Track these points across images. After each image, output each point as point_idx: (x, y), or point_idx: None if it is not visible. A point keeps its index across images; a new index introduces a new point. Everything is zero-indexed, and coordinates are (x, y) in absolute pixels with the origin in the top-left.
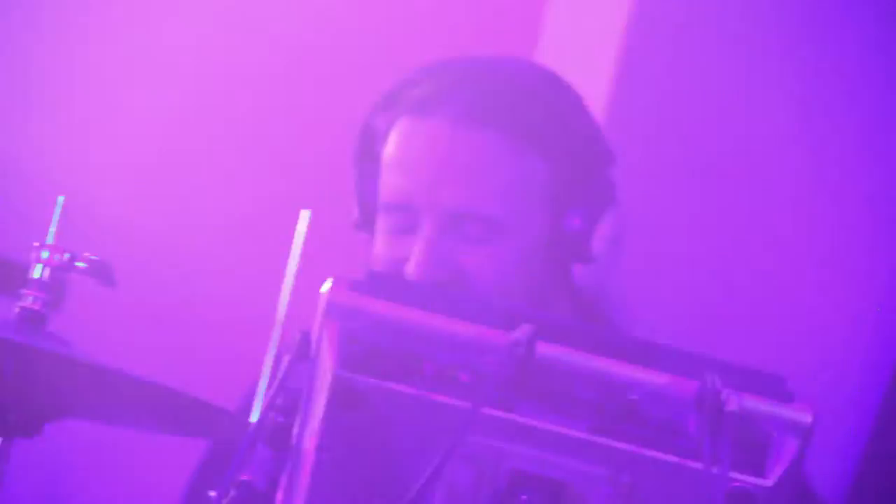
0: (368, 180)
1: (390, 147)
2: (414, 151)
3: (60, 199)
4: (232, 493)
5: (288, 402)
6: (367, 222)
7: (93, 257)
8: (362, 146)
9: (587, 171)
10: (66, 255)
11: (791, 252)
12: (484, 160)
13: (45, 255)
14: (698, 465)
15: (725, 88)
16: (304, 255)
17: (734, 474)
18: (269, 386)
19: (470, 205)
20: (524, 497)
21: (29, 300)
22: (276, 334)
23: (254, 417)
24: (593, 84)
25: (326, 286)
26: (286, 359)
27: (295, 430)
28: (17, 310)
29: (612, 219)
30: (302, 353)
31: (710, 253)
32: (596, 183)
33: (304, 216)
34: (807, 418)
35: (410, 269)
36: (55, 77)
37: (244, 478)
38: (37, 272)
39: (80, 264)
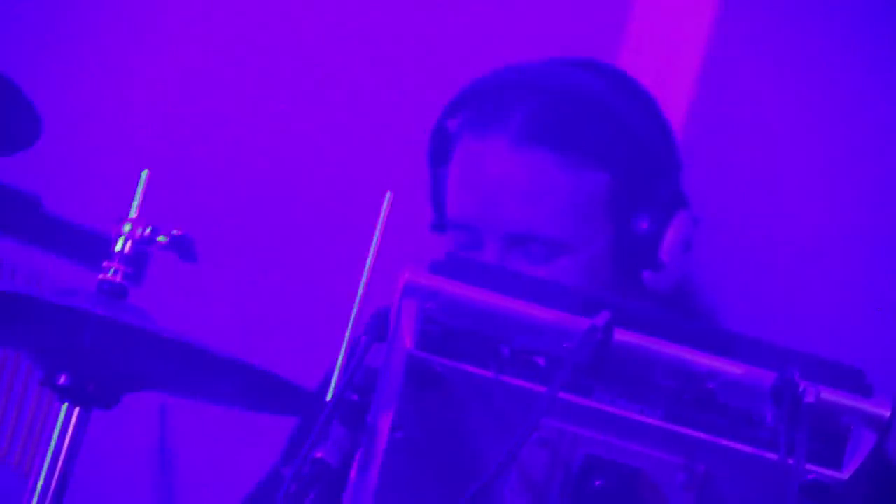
0: (442, 184)
1: (454, 164)
2: (473, 173)
3: (144, 172)
4: (305, 469)
5: (364, 381)
6: (443, 224)
7: (175, 232)
8: (435, 149)
9: (653, 177)
10: (149, 229)
11: (869, 249)
12: (542, 181)
13: (127, 228)
14: (774, 456)
15: (808, 91)
16: (386, 235)
17: (810, 466)
18: (347, 365)
19: (530, 227)
20: (598, 483)
21: (110, 273)
22: (354, 314)
23: (329, 396)
24: (676, 87)
25: (406, 267)
26: (364, 338)
27: (370, 410)
28: (98, 282)
29: (681, 224)
30: (379, 333)
31: (789, 249)
32: (662, 189)
33: (387, 198)
34: (885, 412)
35: None
36: (138, 52)
37: (318, 455)
38: (119, 245)
39: (161, 238)
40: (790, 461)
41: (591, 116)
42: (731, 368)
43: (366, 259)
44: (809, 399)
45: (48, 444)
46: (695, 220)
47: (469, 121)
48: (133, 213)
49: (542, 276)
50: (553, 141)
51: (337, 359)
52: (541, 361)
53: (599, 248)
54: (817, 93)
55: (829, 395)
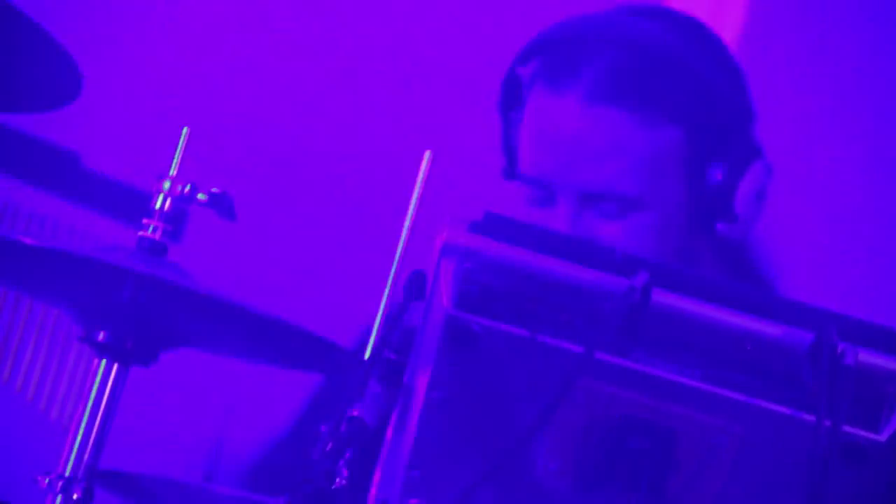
0: (514, 130)
1: (527, 116)
2: (547, 129)
3: (185, 130)
4: (342, 427)
5: (402, 340)
6: (514, 172)
7: (214, 190)
8: (506, 96)
9: (727, 129)
10: (188, 187)
11: None
12: (617, 139)
13: (167, 185)
14: (811, 418)
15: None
16: (425, 194)
17: (847, 428)
18: (384, 324)
19: (604, 185)
20: (634, 443)
21: (150, 230)
22: (393, 273)
23: (367, 354)
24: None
25: (444, 227)
26: (402, 298)
27: (407, 369)
28: (138, 239)
29: (755, 174)
30: (417, 292)
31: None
32: (737, 140)
33: (427, 157)
34: None
35: None
36: (180, 7)
37: (355, 413)
38: (159, 202)
39: (201, 196)
40: (827, 423)
41: (666, 72)
42: (769, 329)
43: (405, 218)
44: (848, 360)
45: (87, 400)
46: (768, 169)
47: (542, 72)
48: (173, 171)
49: (616, 232)
50: (628, 98)
51: (375, 317)
52: (578, 321)
53: (673, 203)
54: (872, 30)
55: (867, 357)
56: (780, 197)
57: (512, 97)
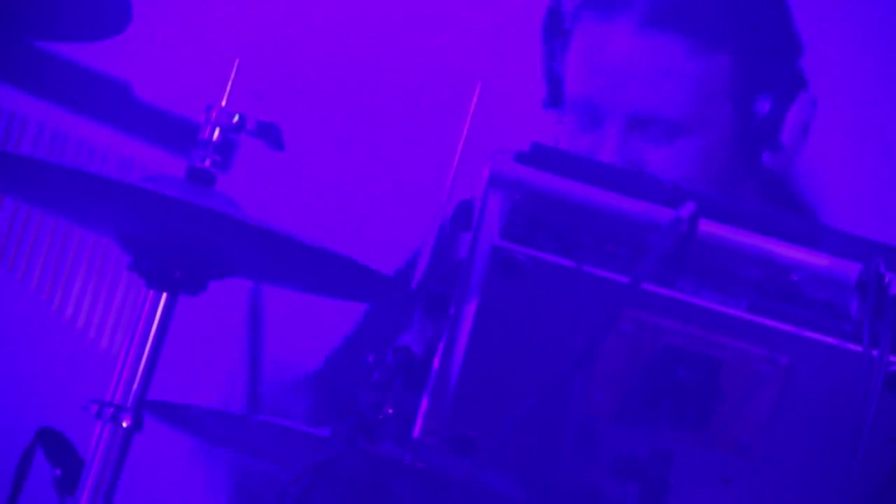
0: (558, 59)
1: (575, 41)
2: (596, 54)
3: (236, 60)
4: (389, 358)
5: (449, 271)
6: (556, 101)
7: (263, 120)
8: (550, 24)
9: (774, 60)
10: (237, 117)
11: None
12: (666, 65)
13: (216, 115)
14: (858, 348)
15: None
16: (474, 125)
17: (894, 358)
18: (432, 254)
19: (652, 109)
20: (680, 374)
21: (199, 160)
22: (442, 203)
23: (414, 285)
24: None
25: (492, 158)
26: (449, 228)
27: (454, 299)
28: (187, 169)
29: (801, 105)
30: (465, 223)
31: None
32: (784, 71)
33: (478, 88)
34: None
35: None
36: None
37: (402, 344)
38: (208, 132)
39: (250, 126)
40: (874, 353)
41: (717, 3)
42: (816, 260)
43: (454, 149)
44: (894, 291)
45: (136, 329)
46: (813, 101)
47: (590, 0)
48: (223, 101)
49: (662, 158)
50: (678, 24)
51: (422, 248)
52: (624, 252)
53: (720, 131)
54: None
55: None
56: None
57: (556, 26)
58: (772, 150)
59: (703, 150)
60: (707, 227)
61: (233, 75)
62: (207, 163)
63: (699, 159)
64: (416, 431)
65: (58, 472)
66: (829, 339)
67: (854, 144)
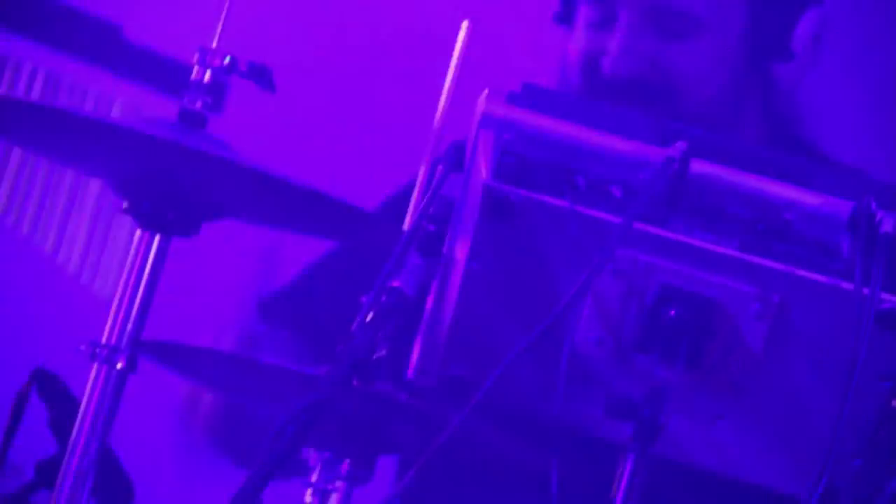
0: None
1: None
2: None
3: (227, 1)
4: (382, 298)
5: (440, 211)
6: (567, 15)
7: (254, 62)
8: None
9: None
10: (228, 59)
11: None
12: None
13: (207, 57)
14: (849, 286)
15: None
16: (463, 66)
17: (885, 295)
18: (423, 194)
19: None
20: (672, 312)
21: (190, 102)
22: (431, 144)
23: (406, 225)
24: None
25: (483, 98)
26: (440, 168)
27: (446, 240)
28: (178, 111)
29: (813, 17)
30: (456, 163)
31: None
32: None
33: (464, 27)
34: None
35: (608, 63)
36: None
37: (395, 284)
38: (198, 74)
39: (241, 68)
40: (865, 291)
41: None
42: (808, 198)
43: (443, 90)
44: (886, 228)
45: (130, 271)
46: (825, 17)
47: None
48: (214, 43)
49: (674, 54)
50: None
51: (413, 189)
52: (616, 192)
53: (733, 32)
54: None
55: None
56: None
57: None
58: (782, 60)
59: (716, 50)
60: (698, 166)
61: (223, 17)
62: (199, 105)
63: (710, 59)
64: (410, 372)
65: (52, 413)
66: (821, 278)
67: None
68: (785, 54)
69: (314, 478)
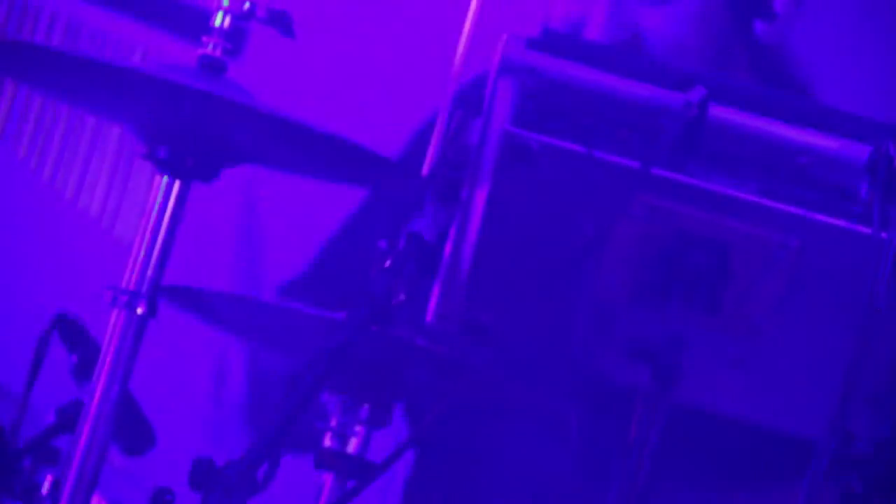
0: None
1: None
2: None
3: None
4: (401, 244)
5: (459, 156)
6: None
7: (273, 8)
8: None
9: None
10: (247, 5)
11: None
12: None
13: (226, 2)
14: (867, 230)
15: None
16: (482, 11)
17: None
18: (442, 140)
19: None
20: (691, 257)
21: (209, 47)
22: (450, 89)
23: (425, 171)
24: None
25: (502, 43)
26: (459, 114)
27: (465, 185)
28: (198, 57)
29: None
30: (475, 108)
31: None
32: None
33: None
34: None
35: (592, 30)
36: None
37: (413, 230)
38: (218, 20)
39: (260, 14)
40: (883, 235)
41: None
42: (826, 143)
43: (462, 35)
44: None
45: (150, 216)
46: None
47: None
48: None
49: (658, 18)
50: None
51: (430, 134)
52: (635, 137)
53: None
54: None
55: None
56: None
57: None
58: (766, 19)
59: (699, 12)
60: (717, 111)
61: None
62: (218, 51)
63: (694, 22)
64: (429, 316)
65: (74, 358)
66: (839, 222)
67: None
68: (767, 13)
69: (333, 422)
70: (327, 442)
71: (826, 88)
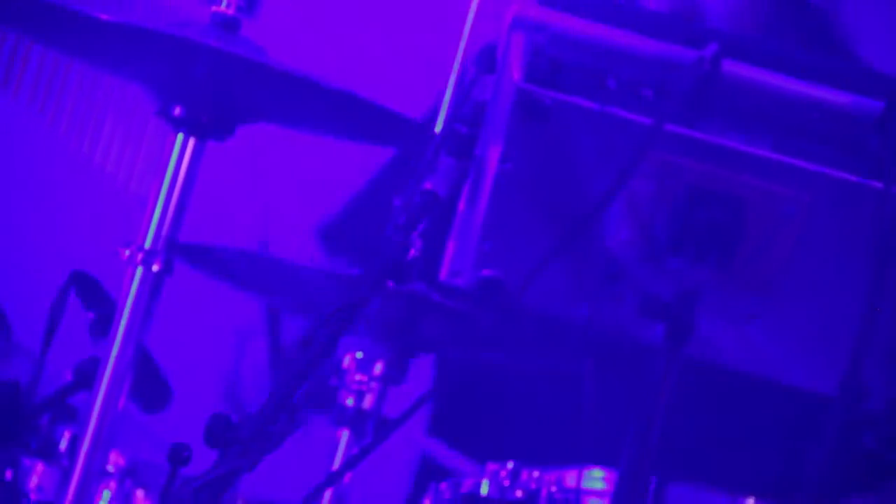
0: None
1: None
2: None
3: None
4: (415, 200)
5: (473, 113)
6: None
7: None
8: None
9: None
10: None
11: None
12: None
13: None
14: (879, 185)
15: None
16: None
17: None
18: (455, 97)
19: None
20: (705, 213)
21: (223, 5)
22: (463, 46)
23: (438, 128)
24: None
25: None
26: (472, 71)
27: (478, 142)
28: (211, 14)
29: None
30: (488, 65)
31: None
32: None
33: None
34: None
35: None
36: None
37: (427, 186)
38: None
39: None
40: (895, 189)
41: None
42: (838, 98)
43: None
44: None
45: (165, 174)
46: None
47: None
48: None
49: None
50: None
51: (446, 91)
52: (648, 93)
53: None
54: None
55: None
56: None
57: None
58: None
59: None
60: (730, 66)
61: None
62: (232, 8)
63: None
64: (443, 273)
65: (91, 315)
66: (851, 177)
67: None
68: None
69: (349, 378)
70: (343, 399)
71: (874, 53)
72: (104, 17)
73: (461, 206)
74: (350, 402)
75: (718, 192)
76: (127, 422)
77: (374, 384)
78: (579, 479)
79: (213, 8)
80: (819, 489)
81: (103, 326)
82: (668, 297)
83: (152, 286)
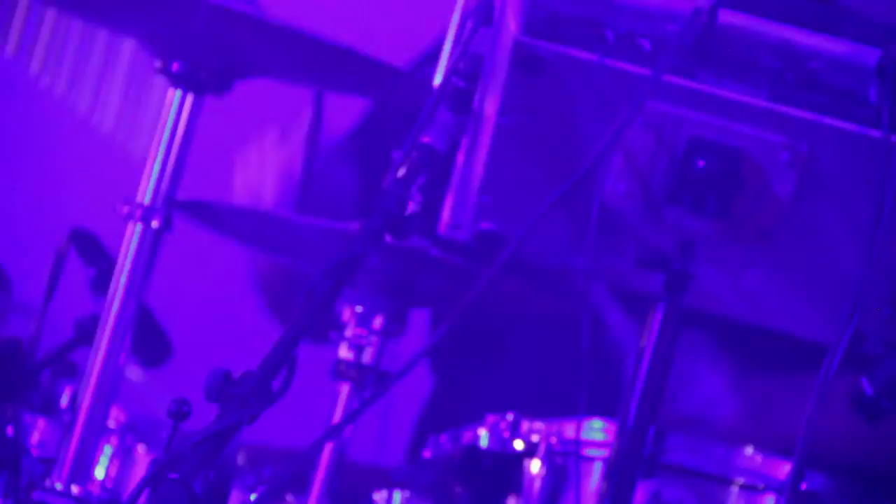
0: None
1: None
2: None
3: None
4: (413, 154)
5: (470, 67)
6: None
7: None
8: None
9: None
10: None
11: None
12: None
13: None
14: (877, 133)
15: None
16: None
17: None
18: (453, 50)
19: None
20: (701, 163)
21: None
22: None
23: (436, 81)
24: None
25: None
26: (470, 24)
27: (476, 95)
28: None
29: None
30: (485, 18)
31: None
32: None
33: None
34: None
35: None
36: None
37: (425, 140)
38: None
39: None
40: (893, 138)
41: None
42: (836, 47)
43: None
44: None
45: (163, 130)
46: None
47: None
48: None
49: None
50: None
51: (443, 44)
52: (646, 44)
53: None
54: None
55: None
56: None
57: None
58: None
59: None
60: (727, 16)
61: None
62: None
63: None
64: (441, 227)
65: (92, 271)
66: (849, 126)
67: None
68: None
69: (348, 332)
70: (343, 353)
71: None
72: None
73: (459, 159)
74: (349, 355)
75: (716, 142)
76: (127, 377)
77: (373, 338)
78: (579, 429)
79: None
80: (816, 437)
81: (105, 282)
82: (667, 247)
83: (151, 242)
